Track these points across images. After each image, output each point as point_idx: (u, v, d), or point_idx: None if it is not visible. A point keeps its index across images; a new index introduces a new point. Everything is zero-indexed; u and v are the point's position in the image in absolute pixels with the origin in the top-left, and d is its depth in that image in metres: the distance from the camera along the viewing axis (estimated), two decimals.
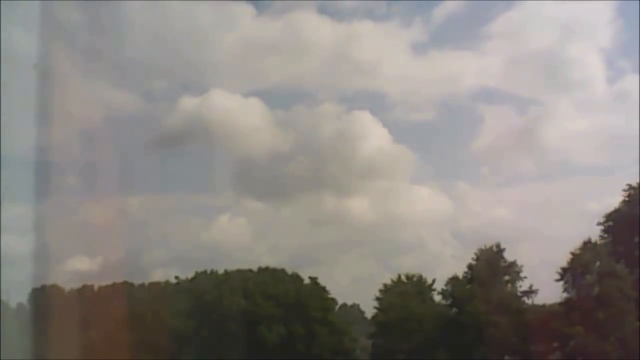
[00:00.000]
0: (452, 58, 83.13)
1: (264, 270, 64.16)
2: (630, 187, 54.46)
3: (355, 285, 68.53)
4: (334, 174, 75.02)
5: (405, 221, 74.36)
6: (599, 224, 54.97)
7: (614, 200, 54.17)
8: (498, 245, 56.10)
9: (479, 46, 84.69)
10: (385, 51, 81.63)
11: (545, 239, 67.49)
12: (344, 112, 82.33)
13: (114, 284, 59.55)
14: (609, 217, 54.75)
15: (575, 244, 51.18)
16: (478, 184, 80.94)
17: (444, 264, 68.57)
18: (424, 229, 76.53)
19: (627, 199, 54.46)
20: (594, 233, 52.82)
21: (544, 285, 54.15)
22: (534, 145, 78.55)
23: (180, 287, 63.63)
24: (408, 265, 57.39)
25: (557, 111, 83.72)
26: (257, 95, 75.94)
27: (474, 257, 56.22)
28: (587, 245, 51.77)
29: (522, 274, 55.41)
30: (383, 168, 77.12)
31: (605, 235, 54.62)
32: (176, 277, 64.94)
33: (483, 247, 56.19)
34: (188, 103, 77.39)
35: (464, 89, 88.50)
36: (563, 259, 51.16)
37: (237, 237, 69.82)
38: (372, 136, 78.25)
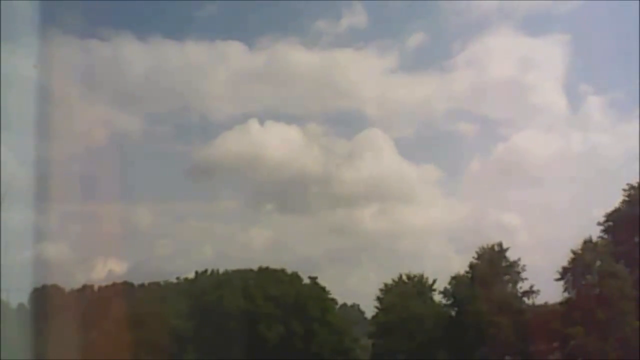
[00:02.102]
0: (424, 83, 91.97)
1: (264, 271, 64.07)
2: (631, 187, 54.38)
3: (364, 287, 72.41)
4: (346, 189, 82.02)
5: (411, 229, 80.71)
6: (599, 224, 54.92)
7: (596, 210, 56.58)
8: (500, 245, 55.80)
9: (447, 74, 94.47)
10: (363, 77, 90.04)
11: (536, 240, 71.66)
12: (332, 131, 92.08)
13: (114, 284, 59.56)
14: (609, 217, 54.63)
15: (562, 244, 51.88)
16: (469, 192, 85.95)
17: (447, 266, 71.47)
18: (427, 235, 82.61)
19: (627, 199, 54.40)
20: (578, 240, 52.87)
21: (543, 285, 54.57)
22: (512, 161, 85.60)
23: (180, 287, 63.61)
24: (414, 268, 60.44)
25: (526, 129, 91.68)
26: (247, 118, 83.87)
27: (475, 256, 56.15)
28: (587, 245, 51.80)
29: (522, 274, 55.44)
30: (389, 181, 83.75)
31: (605, 235, 54.56)
32: (177, 277, 65.12)
33: (484, 247, 56.17)
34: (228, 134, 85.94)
35: (437, 110, 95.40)
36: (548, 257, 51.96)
37: (262, 243, 76.68)
38: (378, 153, 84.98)
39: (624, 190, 54.60)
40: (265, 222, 78.18)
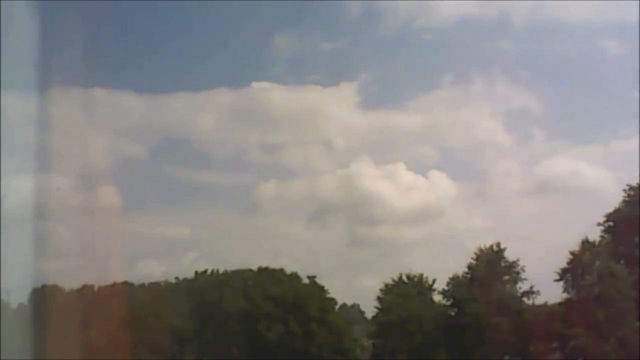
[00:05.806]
0: (385, 118, 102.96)
1: (264, 271, 64.19)
2: (631, 187, 54.36)
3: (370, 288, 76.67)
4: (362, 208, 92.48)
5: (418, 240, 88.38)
6: (599, 224, 54.90)
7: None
8: (498, 245, 55.85)
9: (403, 113, 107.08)
10: (331, 110, 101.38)
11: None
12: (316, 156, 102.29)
13: (114, 284, 59.51)
14: (609, 217, 54.59)
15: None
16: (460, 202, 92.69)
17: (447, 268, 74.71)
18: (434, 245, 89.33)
19: (627, 199, 54.38)
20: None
21: (543, 285, 54.72)
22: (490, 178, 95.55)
23: (180, 288, 63.67)
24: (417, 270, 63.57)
25: (489, 156, 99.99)
26: (235, 149, 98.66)
27: (474, 257, 56.19)
28: (586, 245, 51.81)
29: (522, 275, 55.45)
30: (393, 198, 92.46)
31: (605, 235, 54.54)
32: (176, 278, 65.15)
33: (482, 248, 56.18)
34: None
35: (398, 139, 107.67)
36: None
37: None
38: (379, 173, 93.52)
39: (624, 190, 54.68)
40: (290, 234, 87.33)
